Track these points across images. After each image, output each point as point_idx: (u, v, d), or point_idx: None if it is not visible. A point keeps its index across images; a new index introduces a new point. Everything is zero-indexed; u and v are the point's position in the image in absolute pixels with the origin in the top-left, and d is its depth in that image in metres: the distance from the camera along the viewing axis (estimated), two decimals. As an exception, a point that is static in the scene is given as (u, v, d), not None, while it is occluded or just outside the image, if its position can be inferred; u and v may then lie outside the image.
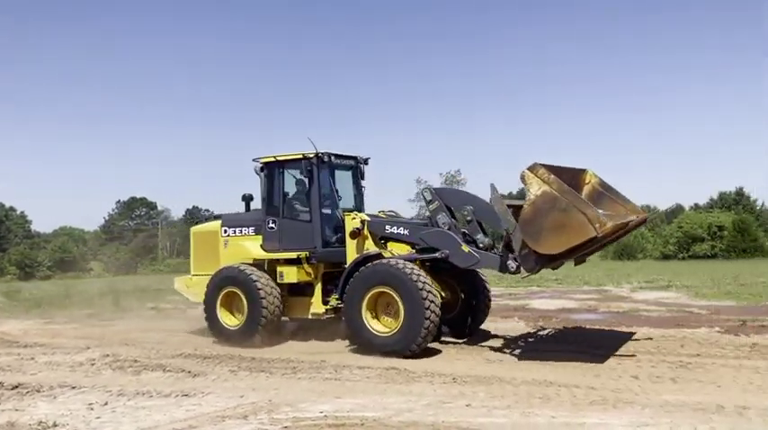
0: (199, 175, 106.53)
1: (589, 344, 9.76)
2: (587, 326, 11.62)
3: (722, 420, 5.45)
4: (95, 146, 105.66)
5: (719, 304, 15.18)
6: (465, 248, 9.00)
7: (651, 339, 9.86)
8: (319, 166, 10.31)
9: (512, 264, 8.60)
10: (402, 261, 9.08)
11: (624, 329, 11.12)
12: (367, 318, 9.14)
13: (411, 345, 8.69)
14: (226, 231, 11.24)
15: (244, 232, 11.04)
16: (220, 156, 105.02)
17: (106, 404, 6.68)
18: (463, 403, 6.29)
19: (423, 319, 8.59)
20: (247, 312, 10.14)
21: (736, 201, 60.41)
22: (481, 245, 9.11)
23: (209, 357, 9.38)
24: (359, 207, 11.15)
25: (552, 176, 7.67)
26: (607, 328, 11.35)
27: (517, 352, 9.31)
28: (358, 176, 11.40)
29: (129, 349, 10.43)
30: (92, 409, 6.49)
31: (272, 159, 10.64)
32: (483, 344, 9.99)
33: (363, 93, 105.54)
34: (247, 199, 11.35)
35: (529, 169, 7.80)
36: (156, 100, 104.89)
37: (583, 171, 9.22)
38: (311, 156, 10.24)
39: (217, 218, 11.94)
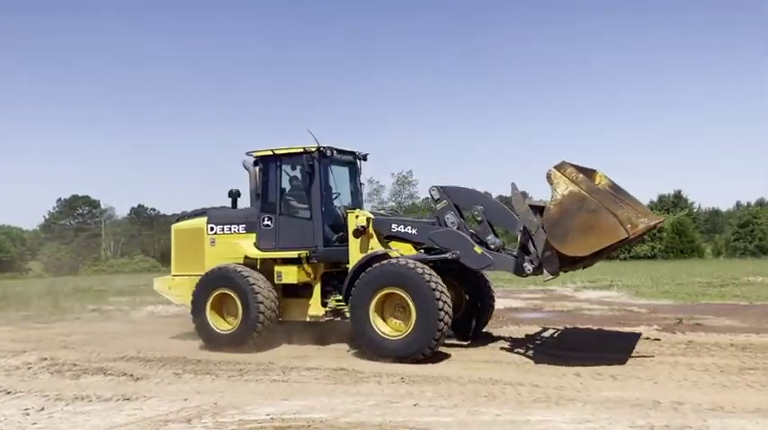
0: (144, 174, 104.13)
1: (533, 342, 9.98)
2: (532, 325, 11.84)
3: (658, 415, 5.64)
4: (35, 142, 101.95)
5: (658, 303, 15.79)
6: (478, 250, 8.63)
7: (599, 336, 10.15)
8: (321, 161, 9.88)
9: (528, 267, 8.29)
10: (413, 261, 8.65)
11: (568, 327, 11.43)
12: (375, 320, 8.71)
13: (424, 349, 8.31)
14: (212, 229, 10.54)
15: (234, 230, 10.37)
16: (167, 156, 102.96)
17: (43, 409, 6.45)
18: (411, 403, 6.33)
19: (436, 322, 8.21)
20: (242, 316, 9.53)
21: (674, 203, 62.84)
22: (492, 246, 8.75)
23: (153, 360, 9.17)
24: (357, 204, 10.78)
25: (581, 176, 7.36)
26: (551, 327, 11.61)
27: (464, 351, 9.41)
28: (356, 173, 11.01)
29: (69, 352, 10.10)
30: (28, 415, 6.25)
31: (269, 153, 10.14)
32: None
33: (346, 93, 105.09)
34: (235, 195, 10.83)
35: (556, 168, 7.42)
36: (100, 97, 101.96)
37: (593, 171, 8.87)
38: (313, 149, 9.78)
39: (201, 214, 11.13)
